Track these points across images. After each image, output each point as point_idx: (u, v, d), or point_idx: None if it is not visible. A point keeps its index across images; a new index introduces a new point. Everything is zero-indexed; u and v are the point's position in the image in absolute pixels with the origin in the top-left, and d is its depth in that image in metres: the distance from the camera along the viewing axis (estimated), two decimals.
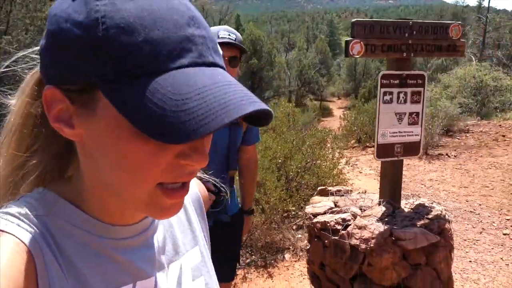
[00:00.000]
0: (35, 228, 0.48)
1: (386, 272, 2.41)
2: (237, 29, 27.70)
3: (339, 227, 2.56)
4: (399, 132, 2.64)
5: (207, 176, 1.61)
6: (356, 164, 7.30)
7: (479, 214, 5.07)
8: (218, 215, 1.94)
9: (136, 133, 0.43)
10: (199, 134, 0.40)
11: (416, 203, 2.77)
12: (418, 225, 2.49)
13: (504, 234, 4.49)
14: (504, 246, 4.21)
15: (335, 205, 2.89)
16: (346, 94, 30.80)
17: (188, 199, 0.70)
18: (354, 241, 2.46)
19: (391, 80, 2.56)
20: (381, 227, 2.44)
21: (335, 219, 2.61)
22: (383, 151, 2.62)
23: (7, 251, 0.44)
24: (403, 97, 2.61)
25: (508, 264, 3.82)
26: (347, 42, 2.41)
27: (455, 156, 7.62)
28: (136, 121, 0.41)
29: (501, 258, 3.94)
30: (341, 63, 36.26)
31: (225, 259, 2.14)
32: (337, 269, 2.55)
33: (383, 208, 2.69)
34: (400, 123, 2.64)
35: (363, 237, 2.44)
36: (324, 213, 2.78)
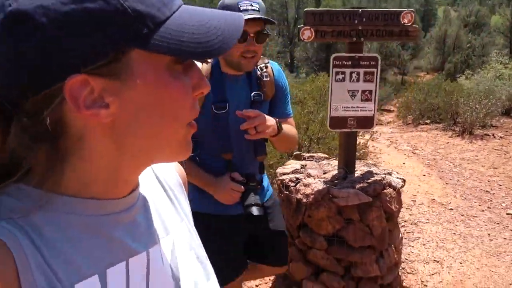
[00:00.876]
0: (12, 224, 0.48)
1: (322, 223, 2.89)
2: None
3: (291, 184, 3.07)
4: (352, 107, 3.03)
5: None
6: (397, 140, 7.47)
7: (493, 194, 5.14)
8: (249, 208, 1.78)
9: (172, 76, 0.52)
10: (230, 43, 0.52)
11: (365, 170, 3.17)
12: (356, 187, 2.91)
13: (508, 214, 4.58)
14: (500, 224, 4.34)
15: (301, 167, 3.37)
16: (434, 69, 29.26)
17: (163, 178, 0.73)
18: (299, 196, 2.95)
19: (343, 62, 2.95)
20: (321, 186, 2.91)
21: (290, 178, 3.11)
22: (336, 123, 3.03)
23: None
24: (355, 77, 2.98)
25: (492, 240, 4.00)
26: (299, 28, 2.84)
27: (500, 137, 7.42)
28: (182, 53, 0.49)
29: (488, 234, 4.11)
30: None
31: (271, 247, 2.18)
32: (288, 218, 3.07)
33: (335, 172, 3.13)
34: (353, 99, 3.02)
35: (305, 193, 2.93)
36: (289, 173, 3.29)
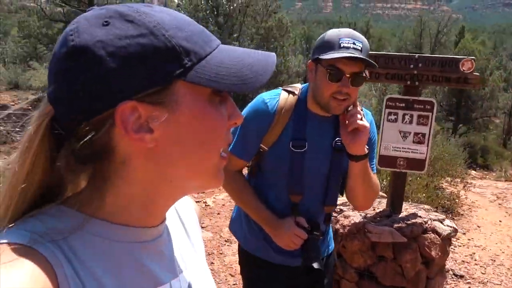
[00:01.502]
0: (54, 243, 0.51)
1: (354, 256, 2.98)
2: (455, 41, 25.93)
3: (334, 214, 3.22)
4: (403, 148, 3.09)
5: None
6: (506, 197, 6.86)
7: None
8: (308, 259, 1.62)
9: (211, 106, 0.57)
10: (263, 79, 0.57)
11: (410, 211, 3.16)
12: (394, 226, 2.95)
13: None
14: None
15: None
16: None
17: (182, 214, 0.76)
18: (337, 226, 3.09)
19: (397, 103, 3.05)
20: (359, 219, 3.01)
21: (337, 209, 3.26)
22: (385, 162, 3.12)
23: (30, 266, 0.47)
24: (408, 119, 3.06)
25: None
26: None
27: None
28: (221, 85, 0.54)
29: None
30: None
31: None
32: None
33: (380, 210, 3.19)
34: (404, 141, 3.09)
35: (343, 224, 3.06)
36: (338, 204, 3.43)
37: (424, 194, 4.81)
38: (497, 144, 20.18)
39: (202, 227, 5.50)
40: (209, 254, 4.61)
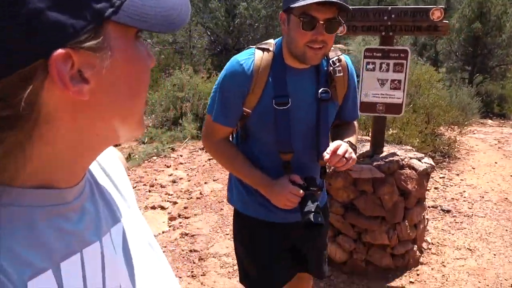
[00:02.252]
0: None
1: (339, 192, 3.37)
2: None
3: None
4: (381, 94, 3.40)
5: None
6: (507, 141, 7.08)
7: None
8: (307, 215, 1.57)
9: (138, 49, 0.53)
10: (186, 18, 0.55)
11: (391, 151, 3.50)
12: (373, 164, 3.31)
13: None
14: None
15: None
16: None
17: (105, 164, 0.71)
18: None
19: (374, 53, 3.34)
20: None
21: None
22: (366, 107, 3.44)
23: None
24: (385, 67, 3.35)
25: None
26: None
27: None
28: (149, 25, 0.50)
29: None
30: None
31: (317, 257, 2.00)
32: None
33: (364, 151, 3.55)
34: (382, 87, 3.39)
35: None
36: None
37: (417, 140, 5.12)
38: None
39: (213, 180, 5.98)
40: (219, 202, 5.08)
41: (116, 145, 10.53)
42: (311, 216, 1.57)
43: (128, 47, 0.51)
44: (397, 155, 3.42)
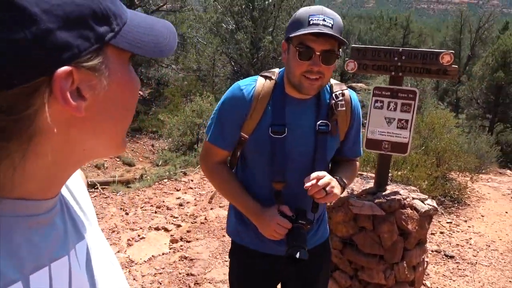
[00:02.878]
0: None
1: (338, 226, 3.36)
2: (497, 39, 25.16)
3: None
4: (387, 132, 3.43)
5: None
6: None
7: None
8: (291, 249, 1.52)
9: (130, 69, 0.58)
10: (174, 45, 0.61)
11: (394, 189, 3.50)
12: (375, 201, 3.30)
13: None
14: None
15: None
16: None
17: (71, 182, 0.72)
18: None
19: (383, 92, 3.39)
20: (343, 194, 3.39)
21: None
22: (371, 145, 3.47)
23: None
24: (393, 106, 3.39)
25: None
26: (344, 61, 3.41)
27: None
28: (143, 51, 0.55)
29: None
30: None
31: None
32: None
33: (367, 187, 3.55)
34: (389, 126, 3.43)
35: None
36: None
37: (426, 182, 5.08)
38: None
39: (219, 207, 6.01)
40: (222, 229, 5.09)
41: (131, 165, 10.55)
42: (295, 250, 1.51)
43: (123, 70, 0.55)
44: (400, 194, 3.41)
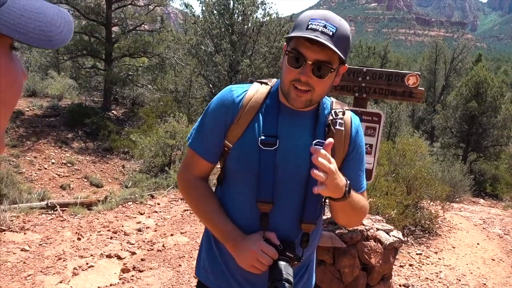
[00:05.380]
0: None
1: None
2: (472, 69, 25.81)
3: None
4: None
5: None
6: (493, 222, 6.82)
7: None
8: (275, 283, 1.28)
9: (11, 60, 0.51)
10: (69, 37, 0.54)
11: None
12: (336, 232, 3.04)
13: None
14: None
15: None
16: None
17: None
18: None
19: None
20: None
21: None
22: None
23: None
24: None
25: None
26: None
27: None
28: (26, 38, 0.48)
29: None
30: None
31: None
32: None
33: (328, 216, 3.29)
34: None
35: None
36: None
37: (395, 211, 4.86)
38: (510, 174, 19.82)
39: (181, 233, 5.65)
40: (179, 257, 4.74)
41: (99, 186, 10.23)
42: (280, 283, 1.25)
43: (2, 56, 0.49)
44: (363, 224, 3.17)
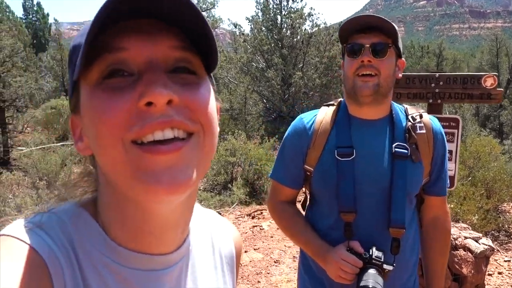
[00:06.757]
0: (59, 244, 0.48)
1: None
2: None
3: None
4: None
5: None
6: None
7: None
8: (364, 281, 1.27)
9: (98, 90, 0.49)
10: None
11: None
12: None
13: None
14: None
15: None
16: None
17: (218, 244, 0.68)
18: None
19: None
20: None
21: None
22: None
23: (21, 263, 0.43)
24: None
25: None
26: None
27: None
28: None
29: None
30: None
31: None
32: None
33: None
34: None
35: None
36: None
37: (476, 216, 4.64)
38: None
39: (254, 249, 5.72)
40: (257, 274, 4.80)
41: None
42: (367, 282, 1.24)
43: (86, 95, 0.51)
44: (452, 233, 3.06)
